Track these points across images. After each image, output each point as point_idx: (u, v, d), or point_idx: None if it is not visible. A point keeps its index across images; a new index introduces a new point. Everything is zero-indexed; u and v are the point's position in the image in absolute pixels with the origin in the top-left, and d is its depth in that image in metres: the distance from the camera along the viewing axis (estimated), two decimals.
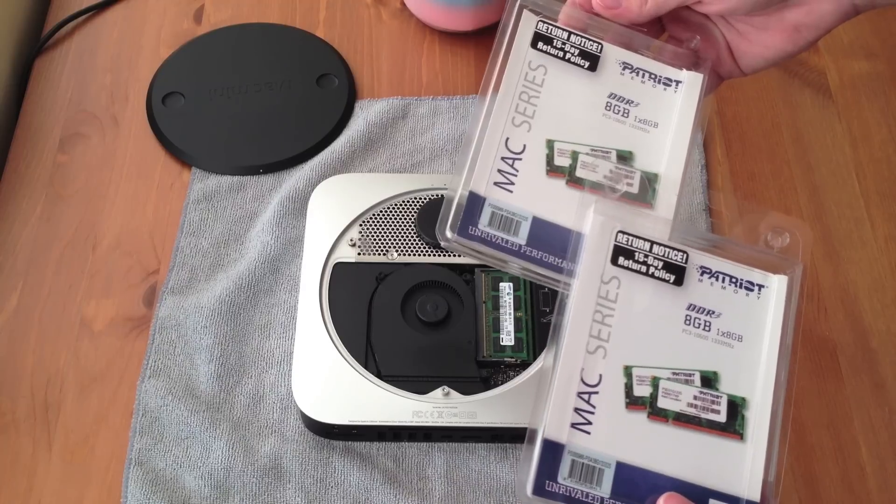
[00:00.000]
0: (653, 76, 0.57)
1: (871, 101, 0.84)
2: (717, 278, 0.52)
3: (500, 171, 0.54)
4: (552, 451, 0.48)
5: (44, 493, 0.65)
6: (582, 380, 0.49)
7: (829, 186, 0.79)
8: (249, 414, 0.68)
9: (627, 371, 0.50)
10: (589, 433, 0.48)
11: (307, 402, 0.64)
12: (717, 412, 0.50)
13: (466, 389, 0.65)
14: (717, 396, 0.50)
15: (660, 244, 0.52)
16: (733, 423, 0.50)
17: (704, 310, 0.51)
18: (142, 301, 0.73)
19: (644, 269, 0.51)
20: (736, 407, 0.50)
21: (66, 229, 0.76)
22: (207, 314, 0.71)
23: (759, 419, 0.50)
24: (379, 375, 0.65)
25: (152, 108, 0.82)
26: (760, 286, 0.52)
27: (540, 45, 0.57)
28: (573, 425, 0.48)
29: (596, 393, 0.49)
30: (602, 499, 0.47)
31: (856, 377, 0.70)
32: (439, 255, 0.71)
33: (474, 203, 0.53)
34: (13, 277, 0.74)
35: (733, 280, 0.52)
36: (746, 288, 0.52)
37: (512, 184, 0.54)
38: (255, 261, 0.73)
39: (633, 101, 0.57)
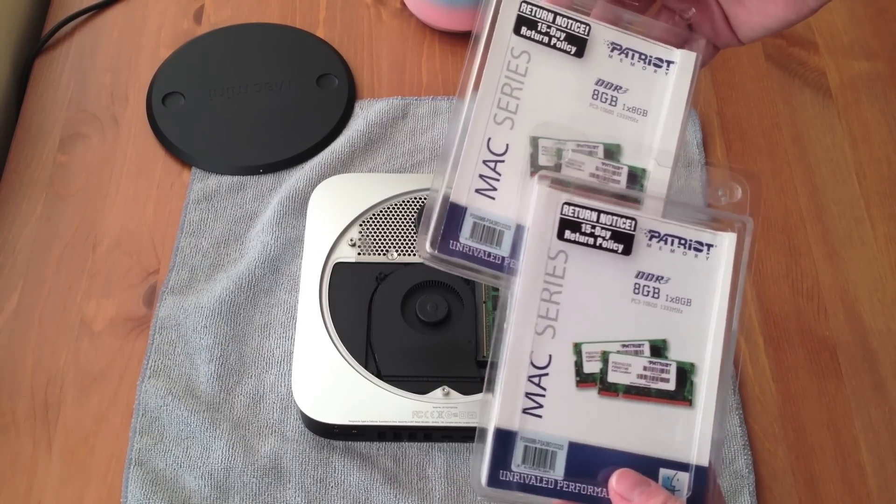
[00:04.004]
0: (643, 57, 0.54)
1: (871, 101, 0.84)
2: (665, 241, 0.50)
3: (481, 176, 0.51)
4: (505, 439, 0.47)
5: (44, 493, 0.65)
6: (532, 363, 0.48)
7: (829, 186, 0.79)
8: (249, 414, 0.68)
9: (577, 349, 0.48)
10: (541, 416, 0.47)
11: (307, 402, 0.64)
12: (667, 381, 0.49)
13: (466, 389, 0.65)
14: (667, 365, 0.49)
15: (607, 213, 0.50)
16: (682, 391, 0.49)
17: (654, 276, 0.50)
18: (142, 301, 0.73)
19: (591, 241, 0.49)
20: (685, 373, 0.49)
21: (66, 229, 0.76)
22: (207, 314, 0.71)
23: (707, 384, 0.49)
24: (379, 375, 0.65)
25: (152, 108, 0.82)
26: (710, 245, 0.50)
27: (524, 30, 0.53)
28: (525, 411, 0.47)
29: (546, 375, 0.48)
30: (556, 481, 0.47)
31: (856, 377, 0.70)
32: None
33: (455, 215, 0.50)
34: (13, 277, 0.74)
35: (682, 242, 0.50)
36: (696, 249, 0.50)
37: (494, 189, 0.51)
38: (255, 261, 0.73)
39: (621, 88, 0.54)
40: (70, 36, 0.87)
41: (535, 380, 0.48)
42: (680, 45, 0.55)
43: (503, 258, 0.50)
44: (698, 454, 0.48)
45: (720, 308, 0.50)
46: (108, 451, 0.67)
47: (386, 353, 0.66)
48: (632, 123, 0.53)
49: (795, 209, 0.78)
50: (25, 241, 0.75)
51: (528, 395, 0.48)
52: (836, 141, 0.82)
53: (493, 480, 0.47)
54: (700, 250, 0.50)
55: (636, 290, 0.50)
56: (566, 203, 0.49)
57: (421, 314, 0.68)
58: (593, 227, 0.49)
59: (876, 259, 0.76)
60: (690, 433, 0.48)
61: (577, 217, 0.49)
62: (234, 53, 0.85)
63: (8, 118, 0.86)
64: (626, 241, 0.50)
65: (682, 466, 0.48)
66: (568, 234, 0.49)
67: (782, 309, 0.73)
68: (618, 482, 0.47)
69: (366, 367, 0.66)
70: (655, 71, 0.54)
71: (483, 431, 0.47)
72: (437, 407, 0.64)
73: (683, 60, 0.54)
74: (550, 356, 0.48)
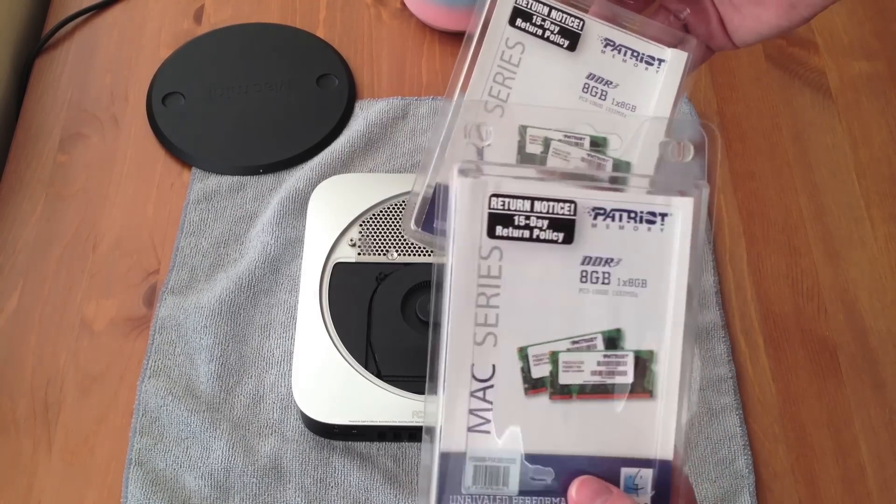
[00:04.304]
0: (635, 54, 0.55)
1: (871, 101, 0.84)
2: (612, 218, 0.45)
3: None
4: (452, 463, 0.44)
5: (44, 493, 0.65)
6: (474, 377, 0.44)
7: (829, 186, 0.79)
8: (249, 414, 0.68)
9: (523, 353, 0.44)
10: (489, 432, 0.44)
11: (307, 402, 0.64)
12: (624, 373, 0.45)
13: None
14: (623, 356, 0.45)
15: (542, 199, 0.44)
16: (641, 382, 0.45)
17: (602, 260, 0.45)
18: (142, 301, 0.73)
19: (527, 233, 0.44)
20: (644, 363, 0.45)
21: (66, 229, 0.76)
22: (207, 314, 0.71)
23: (668, 371, 0.45)
24: (379, 375, 0.65)
25: (152, 108, 0.82)
26: (663, 215, 0.45)
27: (519, 21, 0.54)
28: (471, 429, 0.44)
29: (491, 387, 0.44)
30: (510, 498, 0.44)
31: (856, 377, 0.70)
32: None
33: (440, 195, 0.50)
34: (13, 277, 0.74)
35: (632, 215, 0.45)
36: (648, 221, 0.45)
37: None
38: (255, 261, 0.73)
39: (611, 83, 0.54)
40: (70, 36, 0.87)
41: (480, 394, 0.44)
42: (674, 45, 0.55)
43: None
44: (662, 448, 0.44)
45: (678, 284, 0.45)
46: (108, 452, 0.67)
47: (386, 353, 0.66)
48: (620, 118, 0.54)
49: (795, 209, 0.78)
50: (25, 241, 0.75)
51: (472, 412, 0.44)
52: (836, 141, 0.82)
53: None
54: (653, 222, 0.45)
55: (584, 279, 0.45)
56: (494, 195, 0.44)
57: (421, 314, 0.68)
58: (527, 217, 0.44)
59: (876, 259, 0.76)
60: (652, 426, 0.45)
61: (508, 209, 0.44)
62: (234, 53, 0.85)
63: (8, 118, 0.86)
64: (566, 228, 0.45)
65: (644, 463, 0.44)
66: (499, 230, 0.44)
67: (782, 309, 0.73)
68: (577, 492, 0.44)
69: (366, 367, 0.66)
70: (647, 68, 0.55)
71: (430, 430, 0.44)
72: None
73: (674, 59, 0.54)
74: (494, 366, 0.44)
